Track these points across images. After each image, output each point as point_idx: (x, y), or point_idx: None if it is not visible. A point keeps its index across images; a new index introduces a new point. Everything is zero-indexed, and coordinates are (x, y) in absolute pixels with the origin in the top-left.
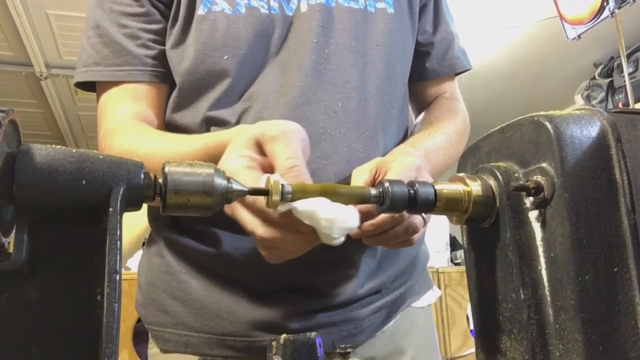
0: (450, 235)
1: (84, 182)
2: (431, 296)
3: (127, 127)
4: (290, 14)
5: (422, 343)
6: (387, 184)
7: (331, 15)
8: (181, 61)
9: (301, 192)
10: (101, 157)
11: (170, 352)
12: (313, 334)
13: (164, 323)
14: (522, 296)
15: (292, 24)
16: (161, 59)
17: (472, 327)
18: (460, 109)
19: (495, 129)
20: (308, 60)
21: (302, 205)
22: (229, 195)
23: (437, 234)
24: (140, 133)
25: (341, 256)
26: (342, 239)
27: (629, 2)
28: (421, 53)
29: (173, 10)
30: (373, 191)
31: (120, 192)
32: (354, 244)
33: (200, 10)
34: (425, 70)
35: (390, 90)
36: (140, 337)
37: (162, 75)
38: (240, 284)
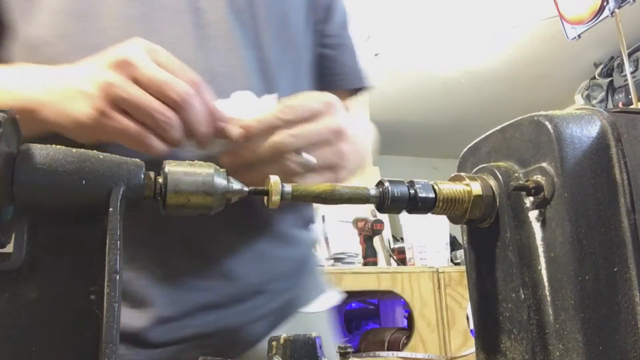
0: (450, 235)
1: (84, 182)
2: (327, 300)
3: None
4: None
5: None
6: (387, 184)
7: None
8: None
9: (301, 192)
10: (101, 157)
11: None
12: (313, 334)
13: None
14: (522, 296)
15: None
16: None
17: (472, 327)
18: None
19: (495, 129)
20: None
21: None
22: (229, 195)
23: (437, 234)
24: None
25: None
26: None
27: (629, 2)
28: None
29: None
30: (373, 191)
31: (120, 192)
32: (228, 241)
33: None
34: (330, 81)
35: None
36: None
37: None
38: None
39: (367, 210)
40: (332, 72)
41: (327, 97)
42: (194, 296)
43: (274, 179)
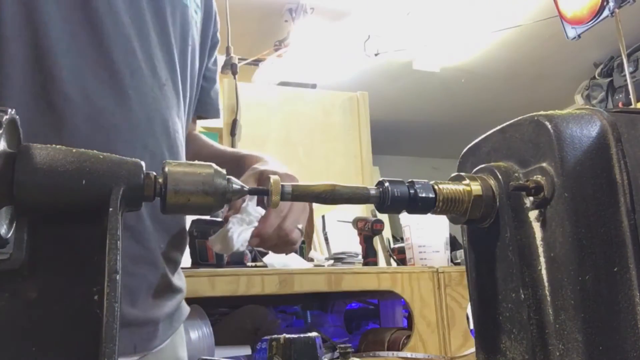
0: (450, 235)
1: (84, 182)
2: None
3: None
4: None
5: (186, 356)
6: (387, 184)
7: None
8: None
9: (301, 192)
10: (101, 157)
11: None
12: (313, 334)
13: None
14: (522, 296)
15: None
16: None
17: (472, 327)
18: None
19: (495, 129)
20: None
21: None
22: (229, 195)
23: (437, 234)
24: None
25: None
26: None
27: (629, 2)
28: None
29: None
30: (373, 191)
31: (120, 192)
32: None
33: None
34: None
35: None
36: None
37: None
38: None
39: (367, 210)
40: (201, 101)
41: (293, 177)
42: (130, 281)
43: (274, 179)
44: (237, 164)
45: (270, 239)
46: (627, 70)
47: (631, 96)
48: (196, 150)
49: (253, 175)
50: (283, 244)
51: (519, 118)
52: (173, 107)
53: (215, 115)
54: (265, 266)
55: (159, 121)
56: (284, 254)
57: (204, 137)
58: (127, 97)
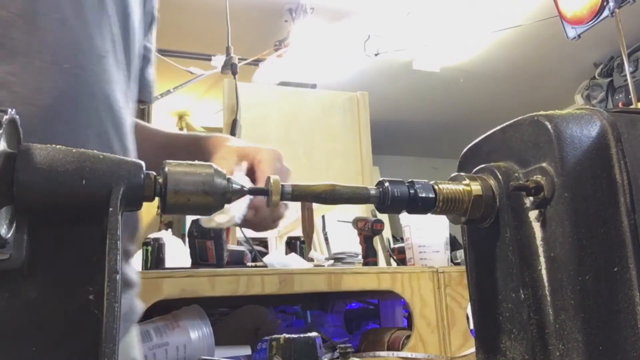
0: (450, 235)
1: (84, 182)
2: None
3: None
4: None
5: (139, 356)
6: (387, 184)
7: None
8: None
9: (301, 192)
10: (101, 156)
11: None
12: (313, 334)
13: None
14: (522, 296)
15: None
16: None
17: (472, 327)
18: None
19: (495, 129)
20: None
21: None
22: (229, 195)
23: (437, 234)
24: None
25: None
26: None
27: (629, 2)
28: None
29: None
30: (373, 191)
31: (120, 192)
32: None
33: None
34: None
35: None
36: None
37: None
38: None
39: (367, 210)
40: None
41: (276, 151)
42: None
43: (274, 179)
44: (196, 146)
45: (264, 210)
46: (627, 70)
47: (631, 96)
48: (146, 137)
49: (233, 152)
50: (271, 220)
51: (519, 118)
52: (115, 81)
53: (147, 97)
54: (265, 266)
55: (101, 97)
56: (283, 254)
57: (146, 123)
58: (62, 72)
